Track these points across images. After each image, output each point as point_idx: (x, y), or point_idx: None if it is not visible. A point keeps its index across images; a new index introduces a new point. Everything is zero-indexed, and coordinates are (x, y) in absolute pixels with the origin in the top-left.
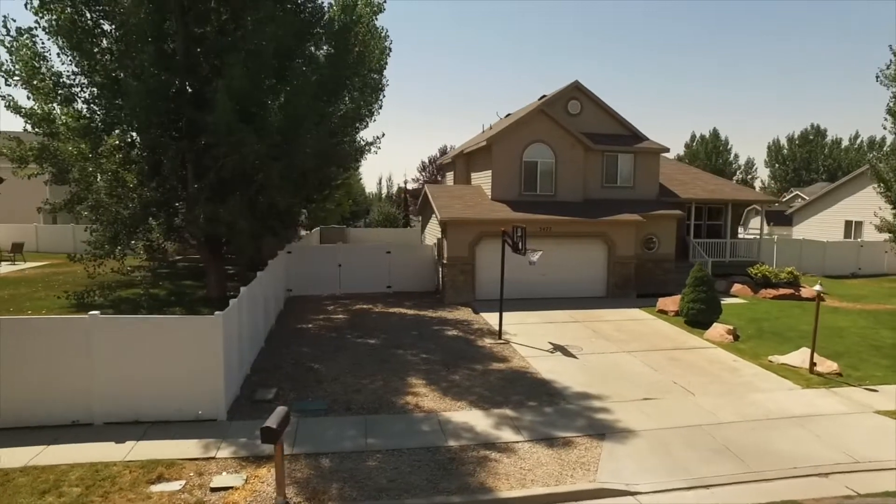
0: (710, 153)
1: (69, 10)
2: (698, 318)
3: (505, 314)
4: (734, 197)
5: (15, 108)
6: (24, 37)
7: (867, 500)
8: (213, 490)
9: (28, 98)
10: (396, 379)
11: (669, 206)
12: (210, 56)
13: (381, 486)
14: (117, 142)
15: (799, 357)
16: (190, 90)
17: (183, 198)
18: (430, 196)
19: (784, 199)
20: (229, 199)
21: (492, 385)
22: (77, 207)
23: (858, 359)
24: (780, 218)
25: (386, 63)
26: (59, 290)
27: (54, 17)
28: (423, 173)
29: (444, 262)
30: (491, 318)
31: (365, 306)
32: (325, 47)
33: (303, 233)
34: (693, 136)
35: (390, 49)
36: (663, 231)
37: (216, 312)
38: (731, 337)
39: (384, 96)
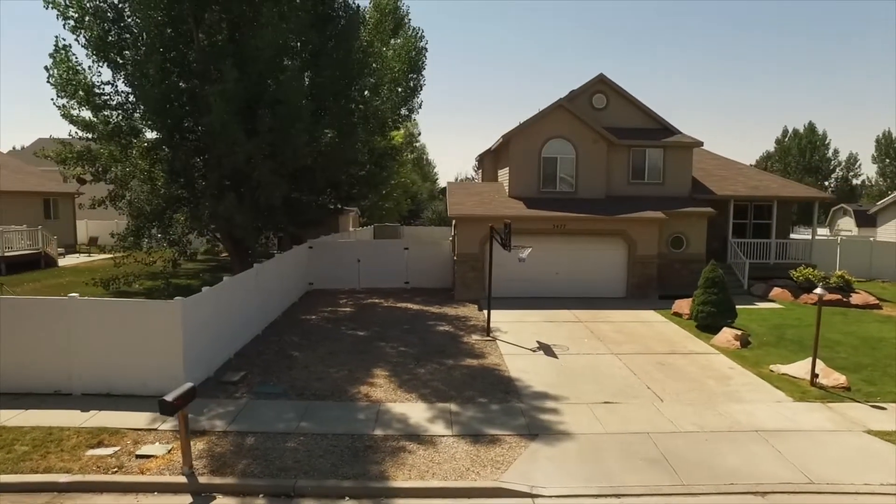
0: (803, 149)
1: (98, 27)
2: (708, 321)
3: (508, 311)
4: (780, 193)
5: (69, 117)
6: (62, 53)
7: None
8: (138, 457)
9: (66, 106)
10: (363, 369)
11: (702, 203)
12: (211, 62)
13: (285, 466)
14: (145, 143)
15: (804, 367)
16: (193, 94)
17: (195, 195)
18: (448, 194)
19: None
20: (226, 196)
21: (452, 380)
22: (117, 203)
23: (882, 373)
24: (867, 218)
25: (423, 63)
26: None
27: (88, 33)
28: (478, 172)
29: (455, 258)
30: (493, 315)
31: (376, 300)
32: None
33: (351, 229)
34: (785, 131)
35: (426, 49)
36: (692, 230)
37: (177, 298)
38: (738, 343)
39: (419, 96)
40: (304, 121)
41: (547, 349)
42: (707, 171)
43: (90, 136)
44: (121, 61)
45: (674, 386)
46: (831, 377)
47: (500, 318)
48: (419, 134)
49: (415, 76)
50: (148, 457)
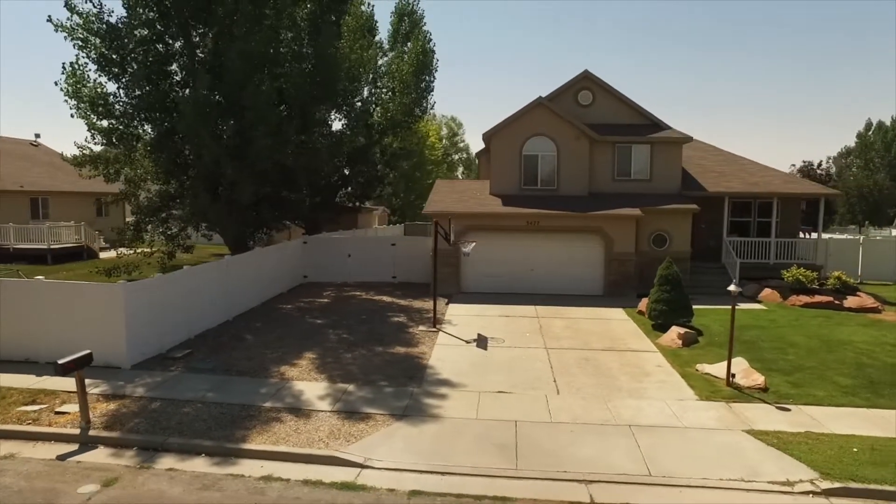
0: (889, 143)
1: (101, 46)
2: (660, 319)
3: (475, 305)
4: (781, 190)
5: (92, 126)
6: (74, 69)
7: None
8: (56, 413)
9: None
10: (296, 353)
11: (694, 200)
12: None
13: (168, 426)
14: (147, 147)
15: (740, 367)
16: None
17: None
18: (433, 191)
19: None
20: (201, 195)
21: (369, 365)
22: (130, 202)
23: (818, 376)
24: None
25: (433, 65)
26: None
27: (94, 52)
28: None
29: (432, 254)
30: (455, 309)
31: (357, 293)
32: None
33: (377, 226)
34: (868, 124)
35: (433, 51)
36: (676, 227)
37: (120, 282)
38: (680, 342)
39: (431, 97)
40: (269, 126)
41: (482, 342)
42: (705, 166)
43: (104, 141)
44: (118, 72)
45: (583, 381)
46: (750, 378)
47: (462, 311)
48: (463, 133)
49: (426, 78)
50: (63, 413)
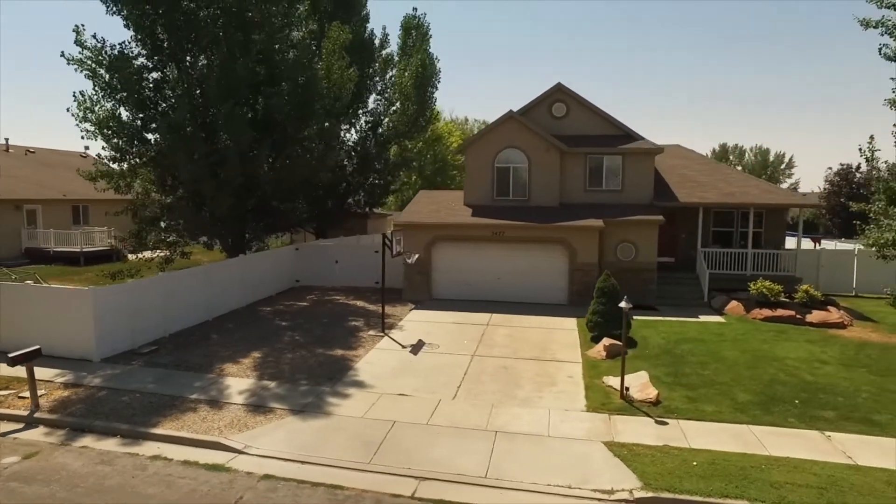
0: None
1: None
2: (595, 331)
3: (434, 312)
4: (757, 201)
5: (107, 141)
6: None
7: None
8: (19, 398)
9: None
10: (245, 351)
11: (662, 210)
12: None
13: (100, 411)
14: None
15: (633, 380)
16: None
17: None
18: (413, 201)
19: None
20: (181, 207)
21: (303, 365)
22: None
23: (722, 392)
24: None
25: (433, 78)
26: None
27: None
28: None
29: (404, 262)
30: (416, 315)
31: (336, 297)
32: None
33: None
34: None
35: (433, 64)
36: (642, 238)
37: (90, 287)
38: (605, 354)
39: (433, 109)
40: (240, 146)
41: (417, 347)
42: (686, 175)
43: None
44: (122, 98)
45: (487, 388)
46: (645, 392)
47: (420, 317)
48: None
49: (430, 90)
50: (24, 398)
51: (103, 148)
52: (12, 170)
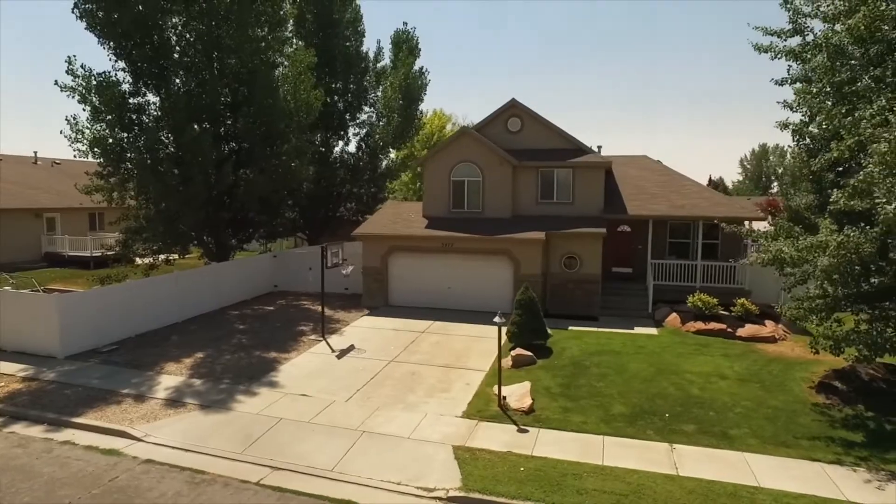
0: None
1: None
2: (513, 341)
3: (383, 318)
4: (705, 213)
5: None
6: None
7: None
8: None
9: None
10: (192, 352)
11: (612, 222)
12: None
13: (40, 403)
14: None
15: (517, 389)
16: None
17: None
18: (379, 212)
19: None
20: (158, 220)
21: (234, 366)
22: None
23: (600, 404)
24: None
25: (420, 91)
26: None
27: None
28: None
29: (362, 271)
30: (364, 321)
31: (304, 302)
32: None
33: None
34: None
35: (417, 77)
36: (586, 250)
37: (53, 294)
38: (511, 363)
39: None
40: (202, 166)
41: (345, 352)
42: (642, 187)
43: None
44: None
45: (384, 392)
46: (521, 401)
47: (367, 323)
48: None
49: (416, 103)
50: None
51: (99, 164)
52: (37, 181)
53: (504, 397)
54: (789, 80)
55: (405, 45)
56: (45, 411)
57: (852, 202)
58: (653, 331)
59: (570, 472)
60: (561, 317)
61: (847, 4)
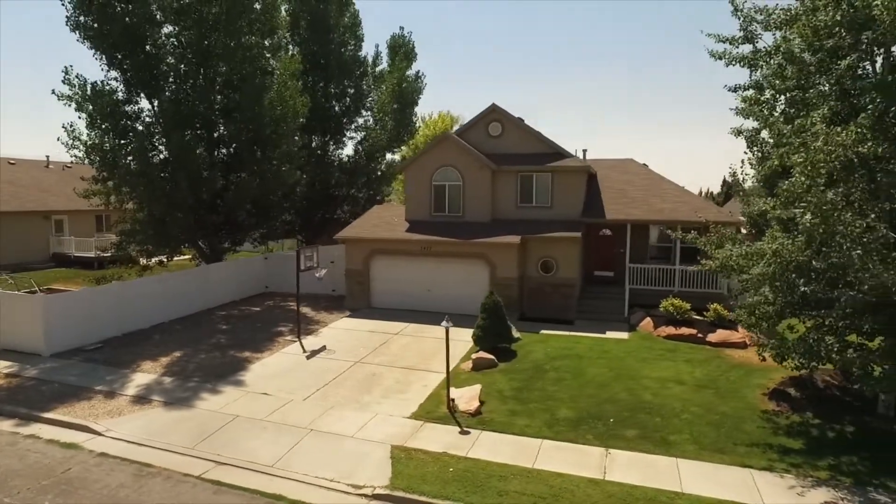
0: None
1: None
2: (478, 344)
3: (362, 320)
4: (683, 218)
5: (104, 167)
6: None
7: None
8: None
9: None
10: (170, 351)
11: (585, 227)
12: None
13: (16, 398)
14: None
15: (468, 392)
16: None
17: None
18: (366, 214)
19: None
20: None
21: (207, 365)
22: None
23: (548, 408)
24: None
25: (414, 95)
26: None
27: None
28: None
29: (345, 273)
30: (343, 322)
31: (290, 303)
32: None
33: None
34: None
35: (408, 81)
36: (562, 254)
37: (38, 294)
38: (471, 366)
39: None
40: (189, 171)
41: (316, 353)
42: (625, 191)
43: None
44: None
45: (342, 392)
46: (470, 403)
47: (345, 325)
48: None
49: (409, 109)
50: None
51: (96, 170)
52: (48, 184)
53: (453, 399)
54: (742, 87)
55: (401, 49)
56: (19, 406)
57: (778, 211)
58: (624, 335)
59: (497, 473)
60: (537, 320)
61: (788, 15)
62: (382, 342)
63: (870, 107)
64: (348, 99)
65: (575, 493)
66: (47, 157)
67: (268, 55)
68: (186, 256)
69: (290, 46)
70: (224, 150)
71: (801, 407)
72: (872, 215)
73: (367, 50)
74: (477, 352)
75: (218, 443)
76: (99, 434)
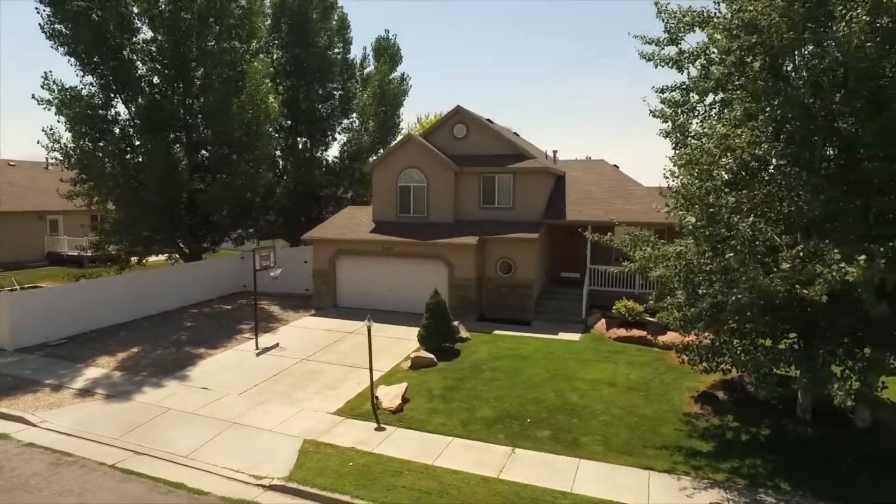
0: None
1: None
2: (422, 343)
3: (323, 319)
4: (641, 220)
5: (85, 171)
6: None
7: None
8: None
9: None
10: (129, 347)
11: (546, 228)
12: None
13: None
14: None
15: (394, 390)
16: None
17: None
18: (336, 215)
19: None
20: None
21: (160, 361)
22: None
23: (470, 407)
24: None
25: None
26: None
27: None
28: None
29: (312, 273)
30: (304, 321)
31: (263, 303)
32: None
33: None
34: None
35: (389, 83)
36: (520, 255)
37: (4, 291)
38: (409, 365)
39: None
40: (157, 173)
41: (267, 350)
42: (589, 192)
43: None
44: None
45: (277, 387)
46: (392, 401)
47: (306, 323)
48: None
49: (393, 111)
50: None
51: (76, 173)
52: (46, 185)
53: (377, 397)
54: (669, 89)
55: (386, 51)
56: None
57: (672, 214)
58: (575, 336)
59: (393, 469)
60: (496, 321)
61: (702, 17)
62: (335, 340)
63: (767, 109)
64: (335, 101)
65: (462, 490)
66: (46, 158)
67: (248, 58)
68: (163, 257)
69: (275, 50)
70: (202, 153)
71: (725, 410)
72: (752, 218)
73: (358, 52)
74: (418, 351)
75: (143, 434)
76: (33, 425)
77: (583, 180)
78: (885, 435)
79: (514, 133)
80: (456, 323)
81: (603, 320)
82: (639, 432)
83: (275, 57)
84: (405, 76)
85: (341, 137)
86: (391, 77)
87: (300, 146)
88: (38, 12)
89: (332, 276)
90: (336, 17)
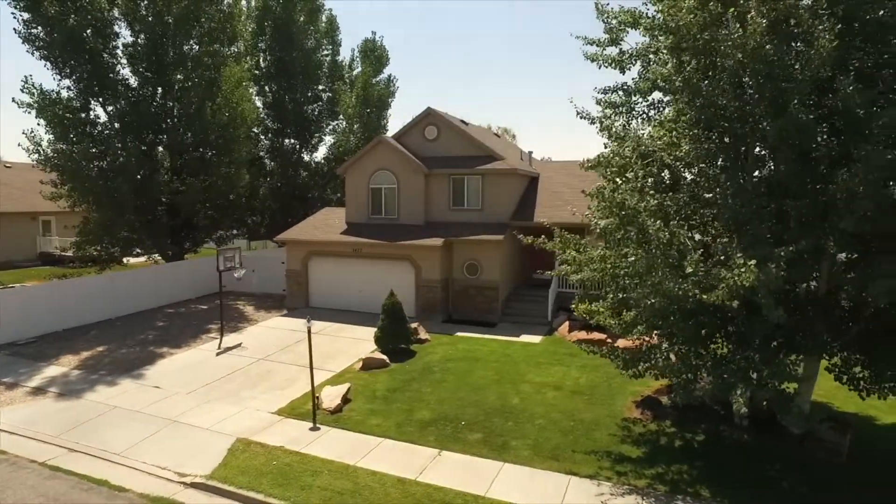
0: None
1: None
2: (377, 345)
3: (292, 319)
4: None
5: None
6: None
7: None
8: None
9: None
10: (94, 346)
11: (508, 230)
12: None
13: None
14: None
15: (337, 390)
16: None
17: None
18: (312, 216)
19: None
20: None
21: (122, 359)
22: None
23: (409, 409)
24: None
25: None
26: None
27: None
28: None
29: (285, 274)
30: (273, 321)
31: (240, 302)
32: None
33: None
34: None
35: (382, 91)
36: (486, 257)
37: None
38: (360, 365)
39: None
40: (130, 174)
41: (228, 350)
42: (559, 193)
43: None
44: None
45: (227, 387)
46: (333, 402)
47: (274, 324)
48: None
49: (379, 112)
50: None
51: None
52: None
53: (318, 397)
54: (612, 90)
55: (372, 53)
56: None
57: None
58: (536, 339)
59: (313, 469)
60: (463, 322)
61: (633, 17)
62: (297, 340)
63: (691, 111)
64: (322, 103)
65: (375, 491)
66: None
67: (228, 62)
68: (144, 258)
69: (260, 53)
70: (182, 156)
71: (665, 415)
72: (675, 222)
73: (348, 54)
74: (373, 352)
75: (83, 432)
76: None
77: (556, 181)
78: (816, 442)
79: (496, 134)
80: (415, 325)
81: (567, 322)
82: (572, 437)
83: (260, 59)
84: (392, 78)
85: (329, 139)
86: (377, 79)
87: (287, 148)
88: (15, 17)
89: (304, 276)
90: (324, 20)
